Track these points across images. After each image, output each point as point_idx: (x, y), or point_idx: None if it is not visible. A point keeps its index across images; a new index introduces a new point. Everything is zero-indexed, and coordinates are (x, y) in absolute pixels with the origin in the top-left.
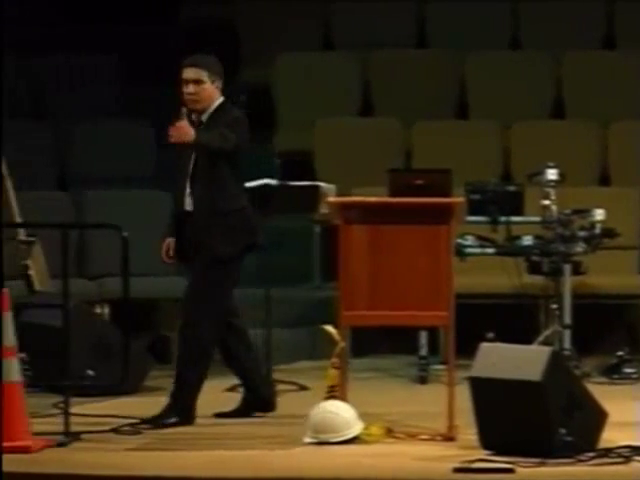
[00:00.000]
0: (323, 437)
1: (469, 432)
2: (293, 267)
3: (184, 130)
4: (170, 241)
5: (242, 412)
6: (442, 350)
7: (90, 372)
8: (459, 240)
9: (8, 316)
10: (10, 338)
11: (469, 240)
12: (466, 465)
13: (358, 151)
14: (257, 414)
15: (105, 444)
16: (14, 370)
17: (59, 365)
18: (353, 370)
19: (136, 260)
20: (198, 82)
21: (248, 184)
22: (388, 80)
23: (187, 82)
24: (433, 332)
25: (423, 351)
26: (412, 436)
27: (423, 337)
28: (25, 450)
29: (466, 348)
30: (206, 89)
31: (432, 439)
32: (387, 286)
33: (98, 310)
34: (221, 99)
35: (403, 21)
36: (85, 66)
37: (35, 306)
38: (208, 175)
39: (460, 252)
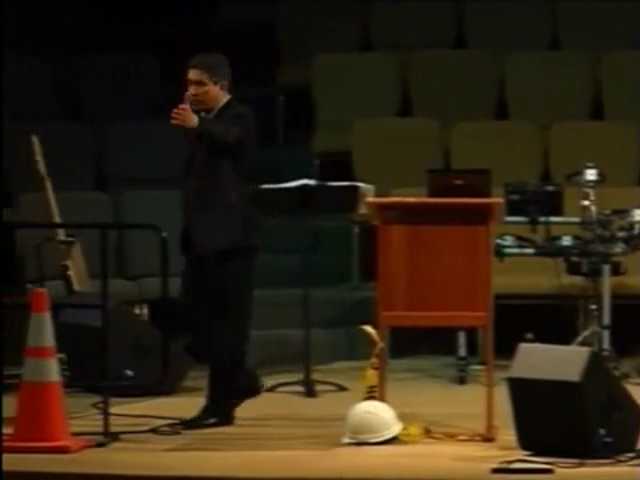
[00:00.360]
0: (362, 438)
1: (508, 433)
2: (332, 267)
3: (187, 114)
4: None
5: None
6: (481, 351)
7: (129, 372)
8: (498, 240)
9: (47, 316)
10: (49, 338)
11: (508, 240)
12: (505, 466)
13: (397, 152)
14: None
15: (144, 444)
16: (53, 370)
17: (98, 365)
18: (392, 370)
19: (175, 260)
20: (199, 84)
21: (288, 184)
22: (427, 81)
23: (190, 83)
24: (472, 332)
25: (462, 352)
26: (451, 437)
27: (462, 337)
28: (64, 450)
29: (505, 349)
30: (208, 91)
31: (471, 440)
32: (426, 286)
33: (137, 310)
34: (227, 98)
35: (442, 22)
36: (124, 67)
37: (74, 306)
38: (205, 170)
39: (499, 252)
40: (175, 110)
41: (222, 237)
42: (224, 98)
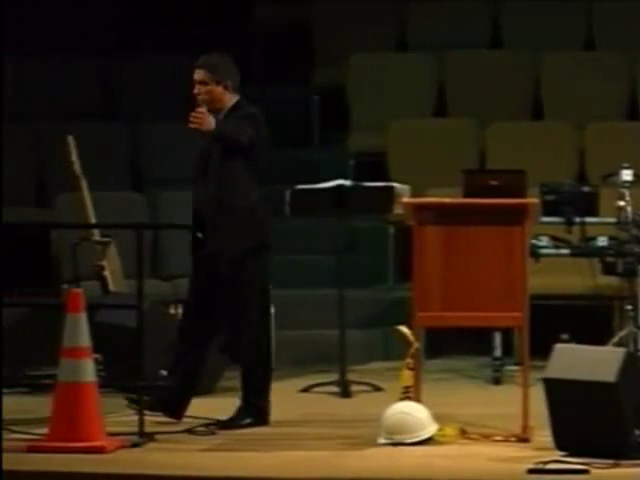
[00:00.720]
0: (397, 438)
1: (543, 433)
2: (367, 268)
3: (204, 117)
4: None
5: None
6: (516, 351)
7: (164, 372)
8: (534, 241)
9: (83, 317)
10: (85, 338)
11: (544, 241)
12: (540, 466)
13: (432, 152)
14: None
15: (179, 445)
16: (89, 370)
17: (133, 365)
18: (427, 371)
19: None
20: (202, 83)
21: (323, 185)
22: (462, 81)
23: (194, 83)
24: (507, 333)
25: (497, 352)
26: (486, 437)
27: (497, 338)
28: (100, 450)
29: (540, 349)
30: (211, 90)
31: (506, 440)
32: (461, 287)
33: (172, 311)
34: (235, 98)
35: (478, 21)
36: (160, 67)
37: (109, 307)
38: (220, 171)
39: (535, 253)
40: (192, 114)
41: (240, 240)
42: (231, 99)
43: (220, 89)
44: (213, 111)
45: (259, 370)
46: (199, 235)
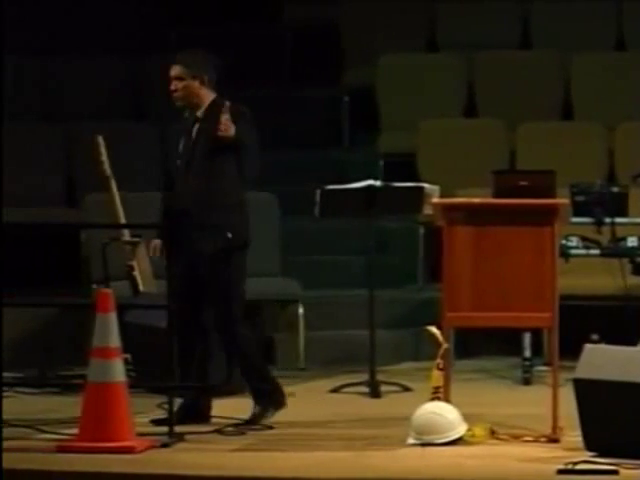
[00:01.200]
0: (427, 438)
1: (573, 434)
2: (397, 268)
3: (230, 126)
4: (157, 243)
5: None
6: (546, 351)
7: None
8: (563, 241)
9: (112, 317)
10: (115, 339)
11: (574, 241)
12: (570, 467)
13: (462, 152)
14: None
15: (209, 445)
16: (118, 371)
17: (163, 366)
18: (457, 371)
19: None
20: (178, 79)
21: (353, 185)
22: (492, 81)
23: (170, 80)
24: (537, 333)
25: (527, 352)
26: (516, 437)
27: (527, 338)
28: (129, 450)
29: (570, 349)
30: (187, 86)
31: (536, 441)
32: (491, 287)
33: None
34: (213, 94)
35: (507, 22)
36: None
37: (139, 307)
38: (210, 169)
39: (565, 253)
40: (224, 122)
41: (224, 237)
42: (208, 94)
43: (197, 84)
44: (190, 107)
45: (255, 361)
46: (229, 235)
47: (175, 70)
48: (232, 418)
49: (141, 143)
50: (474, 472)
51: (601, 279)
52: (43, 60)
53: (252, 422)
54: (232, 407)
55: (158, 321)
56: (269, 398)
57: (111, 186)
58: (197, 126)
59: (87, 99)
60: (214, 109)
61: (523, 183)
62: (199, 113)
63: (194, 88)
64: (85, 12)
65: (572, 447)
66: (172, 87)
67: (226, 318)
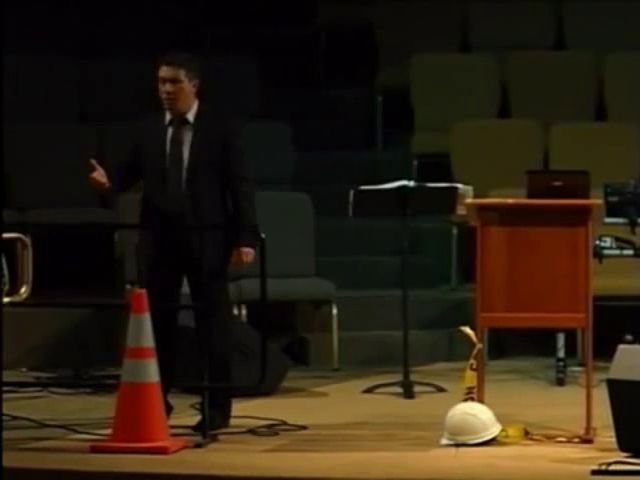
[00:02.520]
0: (460, 439)
1: (607, 434)
2: (431, 268)
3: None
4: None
5: None
6: (580, 352)
7: None
8: (597, 242)
9: (146, 317)
10: (148, 339)
11: (607, 242)
12: (604, 467)
13: (495, 152)
14: None
15: (242, 445)
16: (152, 371)
17: (197, 366)
18: (490, 372)
19: (274, 261)
20: (175, 81)
21: (386, 185)
22: (526, 81)
23: (164, 81)
24: (571, 334)
25: (561, 353)
26: (549, 438)
27: (561, 339)
28: (163, 451)
29: (604, 350)
30: (183, 88)
31: (570, 441)
32: (525, 288)
33: (236, 312)
34: (196, 102)
35: (541, 22)
36: (223, 68)
37: (171, 307)
38: (207, 175)
39: (598, 254)
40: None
41: (220, 255)
42: (194, 101)
43: (191, 87)
44: (176, 113)
45: (229, 365)
46: (263, 236)
47: (171, 71)
48: (265, 419)
49: None
50: (508, 473)
51: (635, 279)
52: (78, 61)
53: (199, 428)
54: (265, 408)
55: (191, 321)
56: (222, 409)
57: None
58: (185, 129)
59: (121, 100)
60: (207, 116)
61: (557, 183)
62: (189, 116)
63: (188, 92)
64: (121, 14)
65: (606, 448)
66: (168, 89)
67: (219, 319)
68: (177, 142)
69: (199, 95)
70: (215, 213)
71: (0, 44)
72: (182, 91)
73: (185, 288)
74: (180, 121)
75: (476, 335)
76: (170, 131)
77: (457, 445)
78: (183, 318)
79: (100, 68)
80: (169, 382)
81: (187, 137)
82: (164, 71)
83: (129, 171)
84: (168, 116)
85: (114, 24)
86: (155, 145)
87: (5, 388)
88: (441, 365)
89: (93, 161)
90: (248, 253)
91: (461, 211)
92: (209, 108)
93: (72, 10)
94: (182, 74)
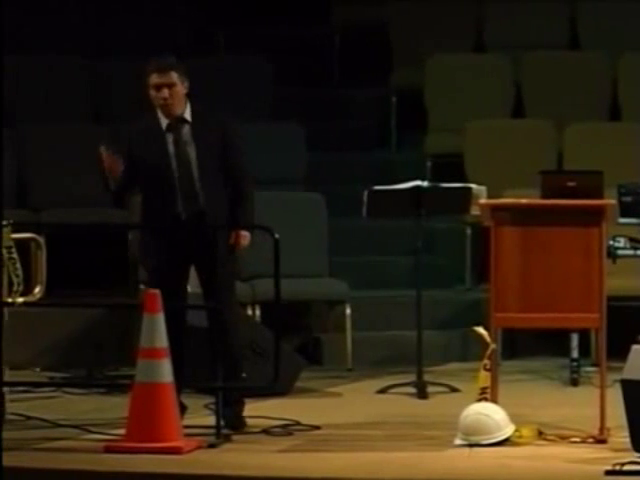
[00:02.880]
0: (474, 439)
1: (621, 434)
2: (444, 269)
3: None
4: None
5: None
6: (594, 352)
7: (244, 375)
8: (611, 242)
9: (160, 317)
10: (162, 339)
11: (621, 242)
12: (618, 468)
13: (509, 153)
14: None
15: (256, 445)
16: (166, 371)
17: (210, 366)
18: (504, 372)
19: (287, 261)
20: (171, 86)
21: (400, 186)
22: (540, 82)
23: (160, 87)
24: (585, 334)
25: (574, 353)
26: (563, 438)
27: (575, 339)
28: (176, 451)
29: (618, 350)
30: (178, 91)
31: (583, 441)
32: (538, 288)
33: (249, 312)
34: (188, 103)
35: (555, 22)
36: (237, 68)
37: (187, 307)
38: (211, 174)
39: (612, 254)
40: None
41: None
42: (187, 102)
43: (183, 90)
44: (170, 116)
45: (240, 363)
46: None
47: (166, 77)
48: (279, 419)
49: None
50: (521, 473)
51: None
52: (93, 62)
53: (238, 425)
54: (279, 408)
55: (204, 321)
56: (239, 404)
57: None
58: (185, 130)
59: (135, 100)
60: (202, 116)
61: (571, 184)
62: (186, 114)
63: (182, 96)
64: (136, 14)
65: (620, 448)
66: (165, 95)
67: (231, 317)
68: (180, 143)
69: (189, 97)
70: (226, 211)
71: (0, 44)
72: (177, 94)
73: (192, 287)
74: (178, 123)
75: (490, 335)
76: (170, 134)
77: (471, 445)
78: (192, 318)
79: (115, 68)
80: (180, 382)
81: (188, 137)
82: (157, 78)
83: (126, 174)
84: (164, 120)
85: (129, 24)
86: (156, 147)
87: (19, 388)
88: (455, 365)
89: (103, 149)
90: (245, 237)
91: (475, 211)
92: (201, 108)
93: (86, 10)
94: (175, 77)
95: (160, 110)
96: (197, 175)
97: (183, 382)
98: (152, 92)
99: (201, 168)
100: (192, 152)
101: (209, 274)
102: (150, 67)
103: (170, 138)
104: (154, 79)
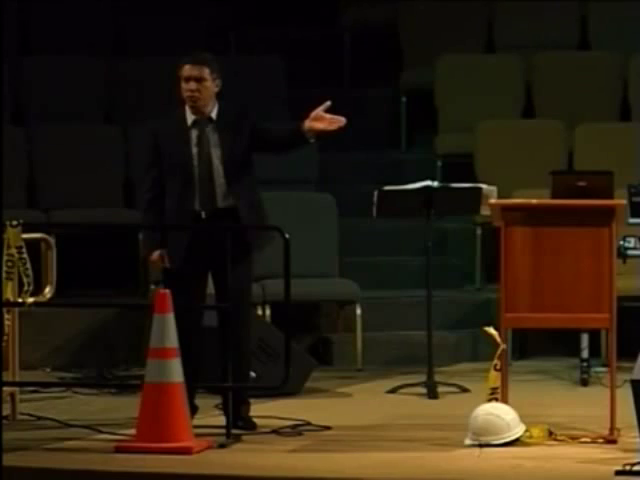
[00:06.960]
0: (484, 439)
1: (631, 435)
2: (454, 269)
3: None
4: (162, 252)
5: None
6: (604, 352)
7: (252, 374)
8: (621, 242)
9: (170, 317)
10: (172, 339)
11: (631, 242)
12: (628, 468)
13: (520, 153)
14: None
15: (266, 445)
16: (176, 371)
17: (220, 366)
18: (514, 372)
19: (298, 262)
20: (200, 80)
21: (410, 186)
22: (550, 82)
23: (189, 79)
24: (595, 334)
25: (585, 353)
26: (573, 438)
27: (585, 339)
28: (186, 451)
29: (628, 351)
30: (208, 87)
31: (594, 442)
32: (549, 288)
33: (260, 312)
34: (217, 101)
35: (566, 22)
36: (249, 68)
37: (199, 308)
38: (244, 171)
39: (622, 254)
40: (335, 120)
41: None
42: (216, 102)
43: (213, 87)
44: (199, 112)
45: (248, 362)
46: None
47: (197, 70)
48: (289, 419)
49: None
50: (532, 473)
51: None
52: (105, 61)
53: (249, 426)
54: (289, 408)
55: (214, 322)
56: (245, 404)
57: None
58: (210, 129)
59: (148, 100)
60: (229, 115)
61: (581, 184)
62: (213, 114)
63: (212, 92)
64: (149, 14)
65: (630, 448)
66: (192, 87)
67: (244, 318)
68: (204, 141)
69: (219, 96)
70: (251, 212)
71: (0, 44)
72: (206, 90)
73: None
74: (204, 121)
75: (500, 335)
76: (195, 131)
77: (481, 446)
78: (205, 318)
79: (127, 68)
80: (196, 384)
81: (214, 137)
82: (189, 70)
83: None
84: (190, 117)
85: (142, 24)
86: (180, 145)
87: (29, 388)
88: (465, 365)
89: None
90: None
91: (485, 211)
92: (229, 106)
93: (100, 10)
94: (207, 73)
95: (188, 105)
96: (220, 174)
97: (197, 384)
98: (182, 84)
99: (226, 168)
100: (216, 151)
101: (225, 274)
102: (183, 59)
103: (194, 135)
104: (185, 71)
